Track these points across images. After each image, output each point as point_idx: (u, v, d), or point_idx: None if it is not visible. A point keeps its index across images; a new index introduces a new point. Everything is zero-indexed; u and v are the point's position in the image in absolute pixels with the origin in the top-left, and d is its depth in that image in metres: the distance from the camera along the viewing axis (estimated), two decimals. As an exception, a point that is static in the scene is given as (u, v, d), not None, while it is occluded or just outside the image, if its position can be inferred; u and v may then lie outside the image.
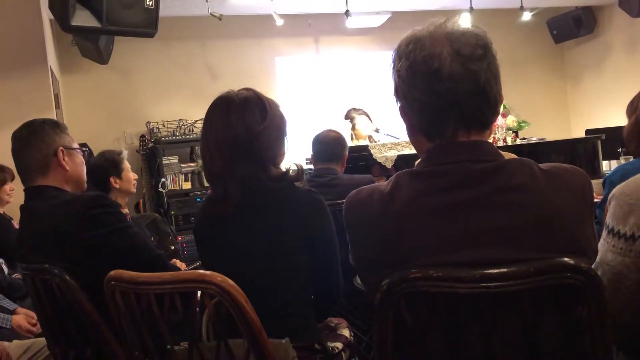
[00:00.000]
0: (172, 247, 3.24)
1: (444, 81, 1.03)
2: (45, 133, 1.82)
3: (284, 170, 1.59)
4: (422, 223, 1.02)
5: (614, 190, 1.22)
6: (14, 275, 3.09)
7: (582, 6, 6.58)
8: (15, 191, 3.52)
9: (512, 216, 1.00)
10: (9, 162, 3.27)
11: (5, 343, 2.06)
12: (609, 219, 1.22)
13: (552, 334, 0.98)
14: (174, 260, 3.00)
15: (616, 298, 1.17)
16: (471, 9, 5.43)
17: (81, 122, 5.44)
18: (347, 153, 3.12)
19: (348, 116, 4.84)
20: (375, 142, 4.61)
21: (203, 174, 1.62)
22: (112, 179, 2.75)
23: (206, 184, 5.16)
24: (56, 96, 4.50)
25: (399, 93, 1.10)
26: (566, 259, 0.95)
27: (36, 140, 1.80)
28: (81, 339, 1.65)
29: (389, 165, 3.91)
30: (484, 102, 1.05)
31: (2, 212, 3.57)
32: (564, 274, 0.94)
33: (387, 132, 4.70)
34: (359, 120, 4.77)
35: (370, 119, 4.79)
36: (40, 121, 1.86)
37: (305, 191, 1.59)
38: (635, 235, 1.15)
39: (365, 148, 4.04)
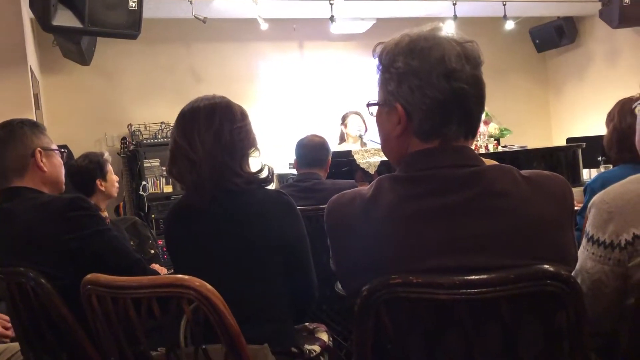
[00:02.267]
0: (152, 251, 3.20)
1: (461, 81, 1.03)
2: (23, 134, 1.79)
3: (255, 171, 1.63)
4: (403, 228, 1.02)
5: (594, 199, 1.23)
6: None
7: (564, 16, 6.68)
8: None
9: (493, 222, 1.00)
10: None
11: (-22, 348, 2.01)
12: (588, 227, 1.23)
13: (531, 340, 0.98)
14: (154, 264, 2.96)
15: (595, 305, 1.18)
16: (455, 17, 5.48)
17: (62, 123, 5.37)
18: (330, 158, 3.12)
19: (343, 117, 4.87)
20: (365, 144, 4.63)
21: (170, 167, 1.61)
22: (98, 182, 2.72)
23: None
24: (36, 96, 4.43)
25: (394, 93, 1.07)
26: (546, 266, 0.95)
27: (14, 141, 1.77)
28: (56, 343, 1.62)
29: (372, 170, 3.91)
30: (482, 109, 1.07)
31: None
32: (543, 281, 0.94)
33: (371, 138, 4.71)
34: (351, 119, 4.80)
35: (364, 121, 4.80)
36: (18, 121, 1.83)
37: (274, 192, 1.63)
38: (614, 243, 1.16)
39: (348, 153, 4.04)
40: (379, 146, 4.40)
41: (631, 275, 1.15)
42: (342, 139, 4.86)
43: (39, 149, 1.79)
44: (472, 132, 1.09)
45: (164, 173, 5.55)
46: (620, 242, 1.15)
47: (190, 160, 1.56)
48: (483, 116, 1.14)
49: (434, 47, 1.04)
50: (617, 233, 1.16)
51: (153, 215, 5.27)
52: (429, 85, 1.03)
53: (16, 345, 1.91)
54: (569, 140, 5.32)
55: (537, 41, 7.06)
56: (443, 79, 1.02)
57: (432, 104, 1.04)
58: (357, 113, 4.84)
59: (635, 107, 1.41)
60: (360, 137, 4.75)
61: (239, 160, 1.58)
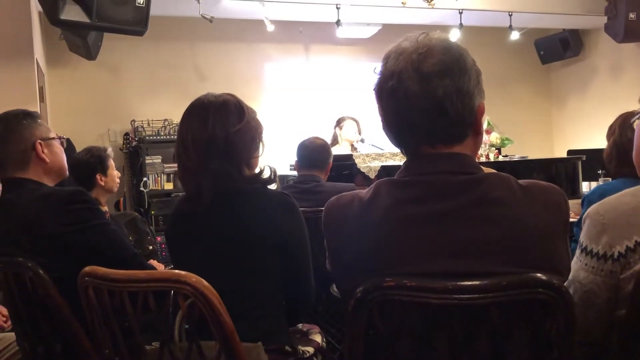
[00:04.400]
0: (150, 247, 3.21)
1: (399, 99, 1.05)
2: (21, 127, 1.78)
3: (257, 172, 1.62)
4: (399, 232, 1.03)
5: (589, 210, 1.24)
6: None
7: (569, 29, 6.69)
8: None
9: (488, 229, 1.01)
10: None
11: (-26, 336, 2.03)
12: (582, 238, 1.24)
13: (520, 348, 0.99)
14: (152, 260, 2.97)
15: (586, 315, 1.19)
16: (461, 25, 5.49)
17: (65, 116, 5.39)
18: (331, 161, 3.13)
19: (339, 120, 4.88)
20: (357, 151, 4.65)
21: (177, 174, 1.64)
22: (98, 176, 2.73)
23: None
24: (41, 89, 4.45)
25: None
26: (538, 275, 0.96)
27: (13, 136, 1.77)
28: (51, 334, 1.63)
29: (372, 175, 3.92)
30: (443, 118, 1.05)
31: None
32: (535, 289, 0.95)
33: (372, 143, 4.73)
34: (347, 124, 4.82)
35: (359, 128, 4.83)
36: (12, 114, 1.81)
37: (278, 193, 1.62)
38: (607, 254, 1.17)
39: (349, 157, 4.06)
40: (381, 151, 4.42)
41: (623, 287, 1.16)
42: (335, 141, 4.89)
43: (38, 140, 1.80)
44: (441, 140, 1.07)
45: (165, 170, 5.57)
46: (613, 254, 1.16)
47: (187, 169, 1.57)
48: (485, 124, 1.15)
49: (385, 64, 1.09)
50: (610, 245, 1.17)
51: (153, 212, 5.28)
52: (378, 103, 1.11)
53: (12, 335, 1.92)
54: (569, 152, 5.33)
55: (542, 52, 7.07)
56: (384, 98, 1.09)
57: (383, 121, 1.12)
58: (354, 119, 4.87)
59: (634, 121, 1.42)
60: (357, 141, 4.79)
61: (237, 164, 1.55)
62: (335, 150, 4.50)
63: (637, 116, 1.41)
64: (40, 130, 1.83)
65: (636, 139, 1.38)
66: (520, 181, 1.07)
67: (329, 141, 4.90)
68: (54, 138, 1.87)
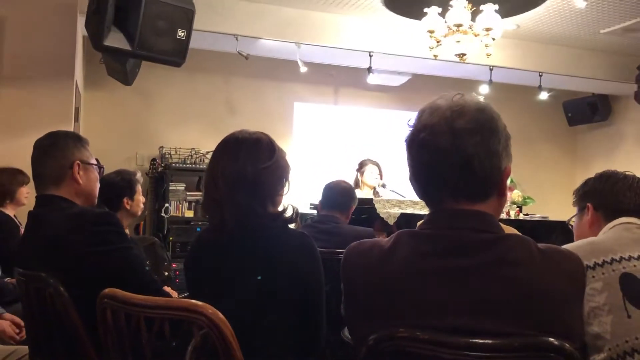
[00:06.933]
0: (166, 274, 3.24)
1: (429, 152, 1.09)
2: (65, 145, 1.87)
3: (280, 210, 1.64)
4: (416, 283, 1.05)
5: None
6: (6, 279, 3.10)
7: (599, 93, 6.71)
8: (29, 197, 3.56)
9: (504, 289, 1.02)
10: (25, 167, 3.35)
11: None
12: None
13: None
14: (166, 287, 3.00)
15: None
16: (490, 82, 5.55)
17: (96, 137, 5.50)
18: (354, 205, 3.16)
19: (361, 164, 4.90)
20: (379, 196, 4.66)
21: (201, 203, 1.68)
22: (125, 200, 2.77)
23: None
24: (77, 110, 4.60)
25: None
26: (551, 339, 0.97)
27: (55, 151, 1.85)
28: (64, 351, 1.65)
29: (391, 221, 3.93)
30: (469, 174, 1.08)
31: (13, 215, 3.60)
32: (547, 353, 0.96)
33: (394, 189, 4.74)
34: (369, 168, 4.84)
35: (381, 173, 4.85)
36: (63, 133, 1.92)
37: (298, 233, 1.63)
38: None
39: (369, 201, 4.08)
40: (402, 198, 4.42)
41: None
42: (357, 185, 4.90)
43: (77, 161, 1.86)
44: (466, 196, 1.10)
45: (188, 198, 5.65)
46: None
47: (214, 199, 1.60)
48: (508, 182, 1.17)
49: (419, 118, 1.13)
50: None
51: (171, 238, 5.32)
52: (409, 155, 1.14)
53: (25, 348, 1.95)
54: (592, 216, 5.27)
55: (570, 114, 7.09)
56: (414, 151, 1.12)
57: (412, 174, 1.15)
58: (376, 163, 4.89)
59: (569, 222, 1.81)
60: (377, 187, 4.80)
61: (262, 200, 1.58)
62: (357, 194, 4.52)
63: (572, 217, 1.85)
64: (82, 153, 1.90)
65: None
66: (540, 245, 1.09)
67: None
68: (93, 164, 1.94)
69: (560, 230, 4.17)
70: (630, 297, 1.44)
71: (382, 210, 4.00)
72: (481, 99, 1.16)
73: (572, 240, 1.71)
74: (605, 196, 1.73)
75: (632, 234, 1.59)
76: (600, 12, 4.93)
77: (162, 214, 5.41)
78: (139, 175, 2.89)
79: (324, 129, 6.55)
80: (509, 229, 1.16)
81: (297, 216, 1.67)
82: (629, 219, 1.65)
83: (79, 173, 1.86)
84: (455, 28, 4.21)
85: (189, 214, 5.65)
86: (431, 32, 4.26)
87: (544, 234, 4.00)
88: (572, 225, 1.92)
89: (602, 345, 1.41)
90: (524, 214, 4.53)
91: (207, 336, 1.24)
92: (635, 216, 1.66)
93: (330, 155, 6.39)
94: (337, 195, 3.08)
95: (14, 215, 3.60)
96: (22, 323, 2.52)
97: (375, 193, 4.80)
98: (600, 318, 1.43)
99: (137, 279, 1.73)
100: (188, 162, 5.71)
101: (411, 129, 1.14)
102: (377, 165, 4.88)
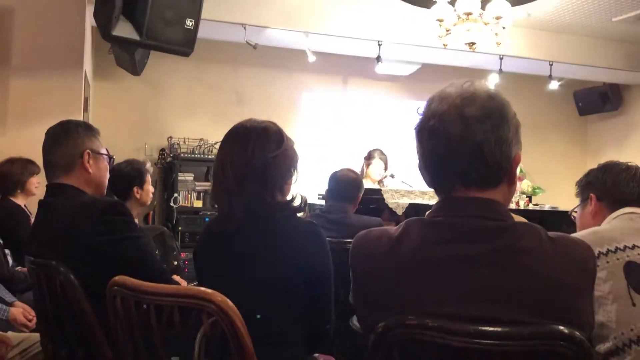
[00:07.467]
0: (175, 263, 3.26)
1: (439, 139, 1.08)
2: (76, 133, 1.87)
3: (289, 199, 1.64)
4: (426, 272, 1.04)
5: None
6: (17, 268, 3.13)
7: (610, 83, 6.65)
8: (39, 188, 3.59)
9: (514, 278, 1.02)
10: (35, 157, 3.37)
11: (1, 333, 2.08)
12: None
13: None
14: (175, 276, 3.01)
15: None
16: (500, 71, 5.51)
17: (105, 127, 5.46)
18: (361, 195, 3.15)
19: (369, 155, 4.89)
20: (384, 186, 4.65)
21: (210, 193, 1.68)
22: (135, 189, 2.79)
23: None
24: (86, 99, 4.62)
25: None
26: (561, 327, 0.96)
27: (67, 139, 1.86)
28: (75, 339, 1.67)
29: (399, 212, 3.93)
30: (480, 161, 1.07)
31: (24, 205, 3.63)
32: (557, 341, 0.95)
33: (403, 180, 4.74)
34: (375, 163, 4.83)
35: (386, 167, 4.84)
36: (75, 122, 1.93)
37: (307, 222, 1.64)
38: None
39: (378, 191, 4.07)
40: (410, 188, 4.41)
41: None
42: (362, 174, 4.89)
43: (88, 150, 1.87)
44: (476, 183, 1.09)
45: (196, 188, 5.67)
46: None
47: (222, 188, 1.60)
48: (518, 171, 1.16)
49: (429, 106, 1.12)
50: None
51: (180, 228, 5.35)
52: (419, 143, 1.14)
53: (36, 335, 1.97)
54: (602, 206, 5.25)
55: (580, 104, 7.03)
56: (425, 138, 1.12)
57: (422, 161, 1.14)
58: (382, 155, 4.86)
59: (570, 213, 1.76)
60: (387, 176, 4.80)
61: (271, 189, 1.59)
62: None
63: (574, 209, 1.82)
64: (93, 143, 1.91)
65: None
66: (550, 233, 1.08)
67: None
68: (103, 154, 1.94)
69: (570, 221, 4.15)
70: (634, 285, 1.45)
71: (390, 200, 4.00)
72: (491, 87, 1.15)
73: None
74: (609, 187, 1.73)
75: (635, 224, 1.60)
76: (612, 0, 4.87)
77: (171, 204, 5.43)
78: (148, 165, 2.90)
79: (333, 119, 6.54)
80: (518, 219, 1.15)
81: (306, 205, 1.67)
82: (632, 209, 1.66)
83: (89, 162, 1.87)
84: (465, 16, 4.17)
85: (198, 204, 5.68)
86: (440, 20, 4.23)
87: (553, 223, 3.97)
88: (574, 217, 1.94)
89: (607, 334, 1.41)
90: (533, 204, 4.51)
91: (216, 324, 1.24)
92: (639, 206, 1.67)
93: (339, 145, 6.38)
94: (345, 186, 3.08)
95: (25, 205, 3.63)
96: (32, 311, 2.54)
97: (380, 183, 4.79)
98: (605, 307, 1.44)
99: (147, 267, 1.73)
100: (197, 152, 5.73)
101: (421, 116, 1.13)
102: (384, 157, 4.86)
